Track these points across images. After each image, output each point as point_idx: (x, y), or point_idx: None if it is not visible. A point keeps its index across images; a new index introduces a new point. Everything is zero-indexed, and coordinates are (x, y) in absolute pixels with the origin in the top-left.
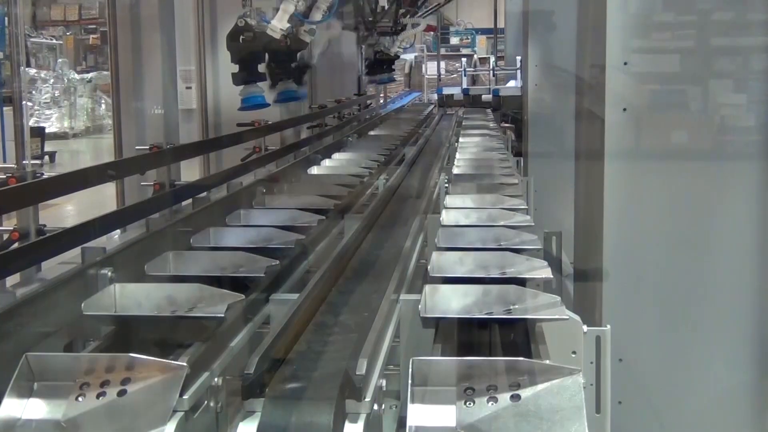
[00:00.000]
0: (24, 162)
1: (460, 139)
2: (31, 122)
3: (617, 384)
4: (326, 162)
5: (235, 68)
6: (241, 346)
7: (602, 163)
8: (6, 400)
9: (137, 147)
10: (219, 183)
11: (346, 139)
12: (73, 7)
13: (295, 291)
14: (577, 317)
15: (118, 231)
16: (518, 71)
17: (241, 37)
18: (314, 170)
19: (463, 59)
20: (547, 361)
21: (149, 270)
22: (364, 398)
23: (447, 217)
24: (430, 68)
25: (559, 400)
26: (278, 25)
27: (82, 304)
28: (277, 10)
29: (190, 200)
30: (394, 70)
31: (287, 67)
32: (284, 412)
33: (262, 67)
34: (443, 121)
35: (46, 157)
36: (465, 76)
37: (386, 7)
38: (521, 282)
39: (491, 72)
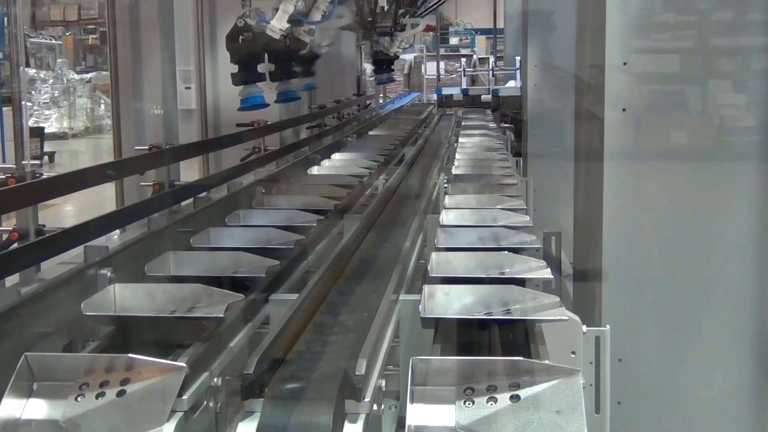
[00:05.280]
0: (23, 162)
1: (460, 139)
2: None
3: (617, 384)
4: (325, 162)
5: (235, 68)
6: (241, 346)
7: (601, 164)
8: (5, 400)
9: (136, 147)
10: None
11: (345, 140)
12: (72, 7)
13: (294, 291)
14: (576, 317)
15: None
16: (517, 71)
17: (241, 37)
18: (314, 171)
19: (463, 59)
20: (547, 362)
21: (149, 270)
22: (364, 398)
23: (446, 217)
24: (430, 68)
25: (559, 400)
26: (277, 25)
27: (82, 305)
28: (277, 10)
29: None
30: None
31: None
32: (284, 412)
33: (262, 67)
34: (442, 122)
35: (46, 158)
36: (464, 76)
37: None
38: (521, 282)
39: (491, 72)
